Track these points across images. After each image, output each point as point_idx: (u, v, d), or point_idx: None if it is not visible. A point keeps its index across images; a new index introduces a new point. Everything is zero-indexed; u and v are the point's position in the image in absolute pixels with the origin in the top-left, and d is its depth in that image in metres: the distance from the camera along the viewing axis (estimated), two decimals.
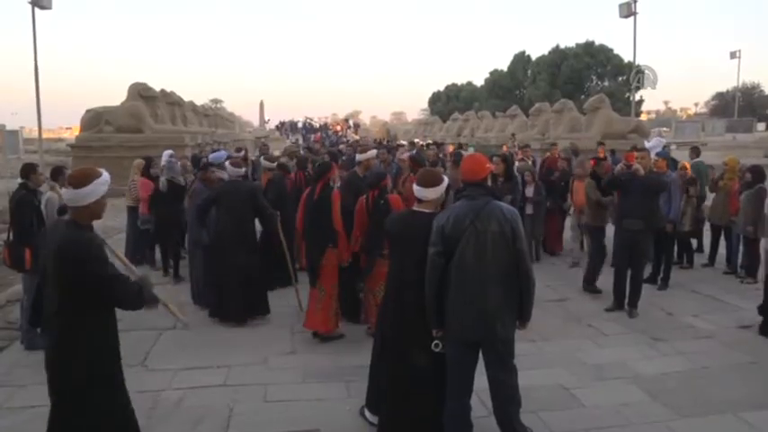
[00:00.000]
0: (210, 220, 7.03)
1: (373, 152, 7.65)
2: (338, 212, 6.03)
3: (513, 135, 14.03)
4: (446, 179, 4.27)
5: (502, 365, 3.93)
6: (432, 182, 4.14)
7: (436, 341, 3.89)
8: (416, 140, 26.79)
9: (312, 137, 43.63)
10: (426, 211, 4.10)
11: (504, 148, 12.00)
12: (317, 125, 56.51)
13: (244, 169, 7.49)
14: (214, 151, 11.80)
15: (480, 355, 3.96)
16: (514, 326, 3.92)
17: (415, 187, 4.19)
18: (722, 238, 9.17)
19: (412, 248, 4.04)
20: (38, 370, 3.82)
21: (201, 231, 7.03)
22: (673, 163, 10.27)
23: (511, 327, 3.89)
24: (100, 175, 3.30)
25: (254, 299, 6.81)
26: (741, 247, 8.68)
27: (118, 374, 3.45)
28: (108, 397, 3.37)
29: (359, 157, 7.40)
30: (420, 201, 4.16)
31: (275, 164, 8.98)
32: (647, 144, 16.77)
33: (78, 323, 3.20)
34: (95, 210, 3.33)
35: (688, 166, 9.42)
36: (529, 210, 9.24)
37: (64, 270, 3.12)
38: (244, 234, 6.83)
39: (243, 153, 12.03)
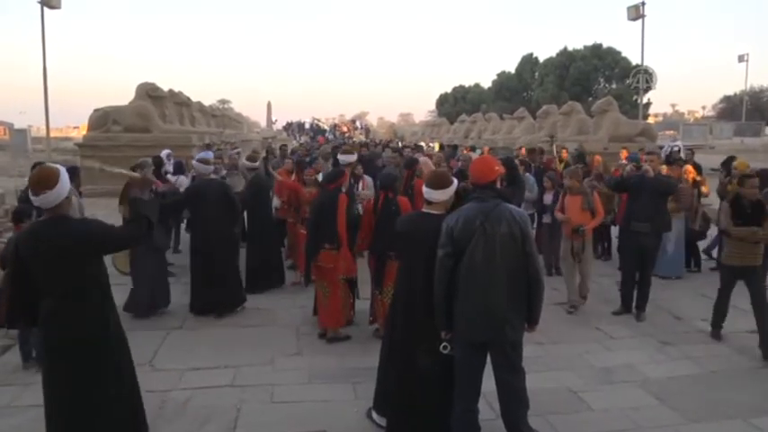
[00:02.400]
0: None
1: (354, 156, 7.85)
2: (344, 215, 6.01)
3: (552, 137, 13.74)
4: (455, 181, 4.27)
5: (510, 368, 3.91)
6: (441, 184, 4.15)
7: (444, 343, 3.89)
8: (421, 143, 26.80)
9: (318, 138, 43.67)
10: (435, 212, 4.10)
11: (564, 153, 11.53)
12: (326, 127, 56.48)
13: (213, 167, 7.69)
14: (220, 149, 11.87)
15: (488, 357, 3.96)
16: (523, 328, 3.91)
17: (424, 189, 4.20)
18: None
19: (420, 250, 4.04)
20: None
21: (163, 236, 7.17)
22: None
23: (519, 329, 3.88)
24: (59, 170, 3.53)
25: (235, 292, 7.18)
26: None
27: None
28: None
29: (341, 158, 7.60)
30: (429, 202, 4.16)
31: (257, 163, 8.99)
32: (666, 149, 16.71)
33: (92, 302, 3.59)
34: (70, 200, 3.66)
35: (692, 168, 9.39)
36: (546, 219, 8.77)
37: (87, 256, 3.51)
38: (223, 231, 7.00)
39: (237, 150, 12.29)
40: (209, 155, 8.76)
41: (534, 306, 3.88)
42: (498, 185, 4.09)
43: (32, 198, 3.48)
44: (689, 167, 9.54)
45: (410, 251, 4.22)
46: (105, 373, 3.64)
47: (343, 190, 6.38)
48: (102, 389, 3.62)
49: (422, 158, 9.56)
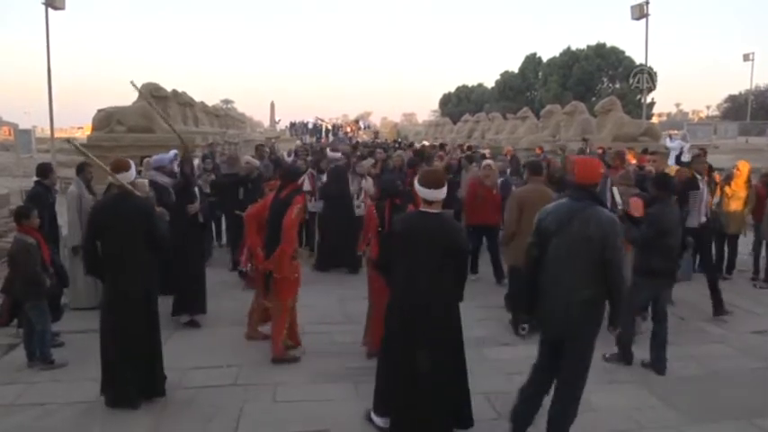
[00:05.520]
0: None
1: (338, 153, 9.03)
2: (292, 214, 5.55)
3: (585, 140, 13.36)
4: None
5: (571, 370, 3.95)
6: (439, 182, 4.13)
7: (523, 325, 4.13)
8: (425, 142, 26.76)
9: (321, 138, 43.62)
10: (434, 211, 4.11)
11: (600, 152, 10.90)
12: (328, 127, 56.26)
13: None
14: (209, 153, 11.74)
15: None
16: (595, 328, 3.93)
17: (421, 189, 4.16)
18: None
19: (422, 251, 4.03)
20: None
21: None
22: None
23: (591, 328, 3.92)
24: (130, 161, 5.10)
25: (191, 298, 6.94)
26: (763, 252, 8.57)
27: None
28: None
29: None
30: (429, 202, 4.14)
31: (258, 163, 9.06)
32: (669, 144, 16.58)
33: (147, 257, 4.80)
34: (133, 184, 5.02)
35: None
36: None
37: (144, 221, 4.74)
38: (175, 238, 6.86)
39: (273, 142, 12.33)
40: (169, 157, 8.65)
41: (614, 308, 3.93)
42: (596, 188, 4.16)
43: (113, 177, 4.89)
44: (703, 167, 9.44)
45: (410, 253, 4.12)
46: (145, 317, 4.81)
47: (305, 189, 6.28)
48: (141, 326, 4.78)
49: (486, 162, 9.06)
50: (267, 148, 13.93)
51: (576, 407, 3.98)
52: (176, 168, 8.18)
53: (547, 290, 3.91)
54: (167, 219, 6.17)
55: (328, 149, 10.87)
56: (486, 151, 17.43)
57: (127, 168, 4.90)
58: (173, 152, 8.95)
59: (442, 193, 4.13)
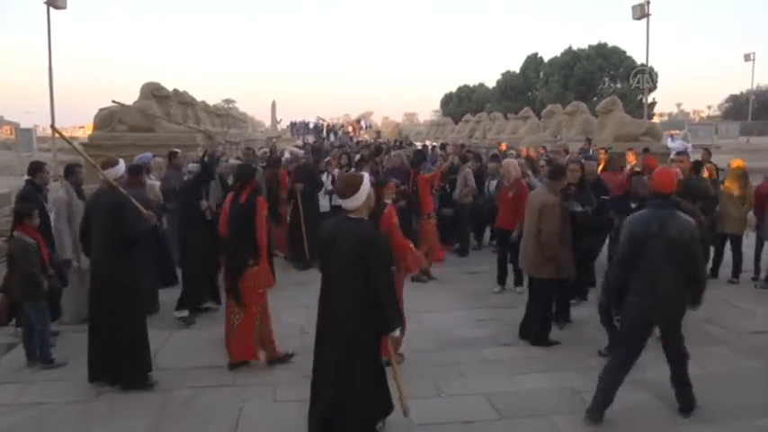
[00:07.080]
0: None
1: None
2: (263, 223, 5.52)
3: (588, 140, 13.14)
4: (366, 180, 4.03)
5: (674, 341, 4.66)
6: (349, 190, 3.94)
7: (617, 317, 4.76)
8: (427, 142, 26.74)
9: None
10: (357, 217, 3.95)
11: (602, 154, 10.53)
12: (328, 126, 56.11)
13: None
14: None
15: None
16: (684, 311, 4.60)
17: (340, 201, 4.10)
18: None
19: (343, 260, 3.81)
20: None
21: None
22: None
23: (681, 312, 4.60)
24: (119, 159, 5.49)
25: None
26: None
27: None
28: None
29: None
30: (348, 210, 4.00)
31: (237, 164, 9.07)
32: (670, 144, 16.50)
33: (120, 250, 5.10)
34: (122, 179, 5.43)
35: (711, 168, 9.27)
36: None
37: (117, 213, 5.05)
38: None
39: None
40: (148, 157, 8.60)
41: (693, 294, 4.58)
42: (672, 196, 4.68)
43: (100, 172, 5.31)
44: (708, 167, 9.38)
45: (332, 262, 3.92)
46: (125, 301, 5.08)
47: (261, 191, 6.32)
48: (121, 309, 5.08)
49: (504, 161, 8.75)
50: (256, 151, 13.53)
51: (687, 364, 4.69)
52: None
53: (642, 286, 4.45)
54: (154, 222, 6.02)
55: (290, 146, 11.17)
56: (503, 146, 17.13)
57: (114, 165, 5.32)
58: (148, 155, 9.06)
59: (352, 201, 3.91)
